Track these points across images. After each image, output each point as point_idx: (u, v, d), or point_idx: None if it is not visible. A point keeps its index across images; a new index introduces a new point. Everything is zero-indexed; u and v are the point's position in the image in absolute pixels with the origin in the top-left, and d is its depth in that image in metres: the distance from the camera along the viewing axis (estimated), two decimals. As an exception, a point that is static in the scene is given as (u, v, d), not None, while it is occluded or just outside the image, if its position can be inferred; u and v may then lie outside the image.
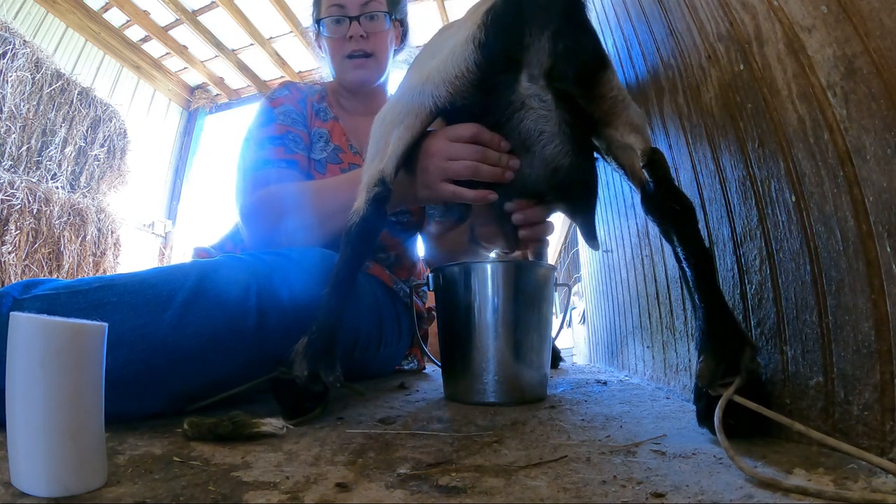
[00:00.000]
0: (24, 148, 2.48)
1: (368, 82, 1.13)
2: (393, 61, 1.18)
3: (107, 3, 3.32)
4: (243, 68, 4.02)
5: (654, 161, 0.58)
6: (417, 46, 1.24)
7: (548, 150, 0.64)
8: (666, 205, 0.56)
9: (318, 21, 1.09)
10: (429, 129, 0.70)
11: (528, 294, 0.75)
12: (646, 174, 0.59)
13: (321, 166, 1.04)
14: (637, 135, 0.63)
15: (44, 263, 2.44)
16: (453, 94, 0.65)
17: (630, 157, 0.63)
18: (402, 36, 1.21)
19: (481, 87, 0.64)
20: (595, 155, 0.73)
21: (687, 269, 0.54)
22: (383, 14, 1.09)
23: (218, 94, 4.39)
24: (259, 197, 0.92)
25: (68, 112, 2.71)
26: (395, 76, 1.20)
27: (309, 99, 1.11)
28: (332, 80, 1.19)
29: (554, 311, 0.90)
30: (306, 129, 1.07)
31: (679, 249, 0.55)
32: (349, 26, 1.06)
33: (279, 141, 1.00)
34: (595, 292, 1.73)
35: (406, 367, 1.25)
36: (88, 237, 2.71)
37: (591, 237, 0.76)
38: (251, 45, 3.78)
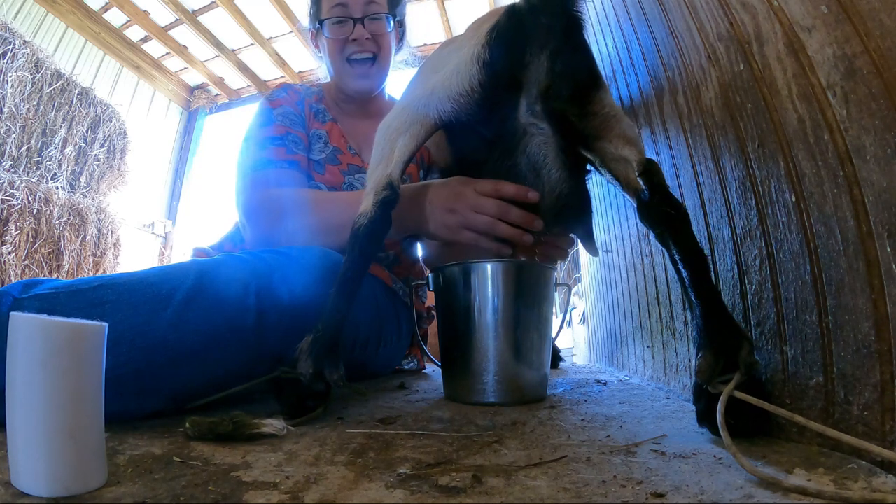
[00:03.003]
0: (24, 148, 2.48)
1: (370, 91, 1.13)
2: (392, 62, 1.18)
3: (107, 3, 3.32)
4: (243, 68, 4.02)
5: (650, 170, 0.60)
6: (416, 47, 1.24)
7: (553, 175, 0.67)
8: (661, 210, 0.57)
9: (319, 21, 1.09)
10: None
11: (528, 294, 0.75)
12: (641, 182, 0.60)
13: (320, 167, 1.05)
14: (631, 147, 0.65)
15: (44, 263, 2.44)
16: (458, 109, 0.67)
17: (625, 169, 0.65)
18: (401, 37, 1.21)
19: (484, 105, 0.66)
20: (588, 168, 0.75)
21: (683, 270, 0.54)
22: (385, 16, 1.08)
23: (218, 94, 4.39)
24: (263, 196, 0.92)
25: (68, 112, 2.71)
26: (393, 75, 1.20)
27: (307, 100, 1.11)
28: (329, 80, 1.19)
29: (554, 311, 0.90)
30: (305, 130, 1.07)
31: (675, 251, 0.55)
32: (352, 28, 1.06)
33: (280, 141, 1.00)
34: (595, 292, 1.73)
35: (406, 367, 1.25)
36: (88, 237, 2.71)
37: (590, 245, 0.81)
38: (251, 45, 3.78)
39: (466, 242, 0.74)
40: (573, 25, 0.64)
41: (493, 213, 0.70)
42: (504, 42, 0.64)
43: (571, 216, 0.75)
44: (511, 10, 0.66)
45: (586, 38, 0.66)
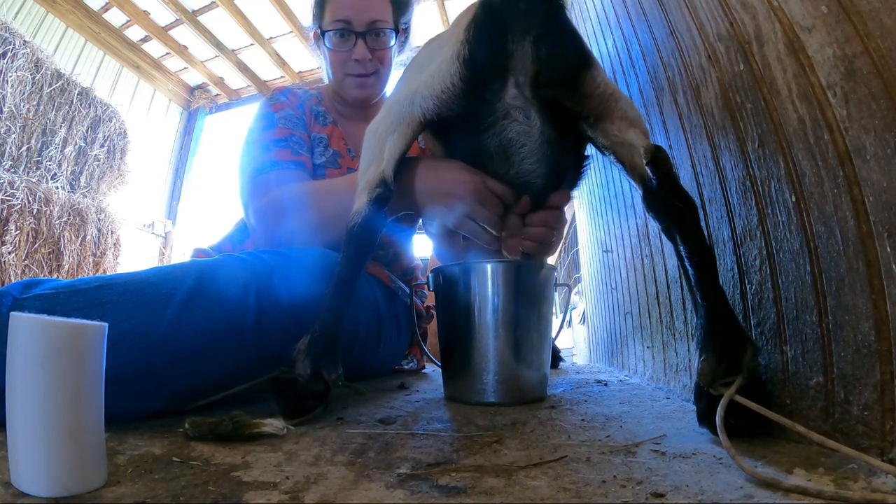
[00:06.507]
0: (24, 148, 2.48)
1: (370, 99, 1.13)
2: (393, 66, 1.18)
3: (107, 3, 3.32)
4: (243, 68, 4.02)
5: (658, 159, 0.58)
6: (416, 47, 1.24)
7: (525, 163, 0.67)
8: (669, 202, 0.56)
9: (322, 31, 1.08)
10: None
11: (528, 294, 0.75)
12: (649, 171, 0.59)
13: (321, 170, 1.04)
14: (635, 129, 0.64)
15: (44, 263, 2.44)
16: (440, 106, 0.66)
17: (630, 154, 0.63)
18: (404, 42, 1.20)
19: (468, 98, 0.66)
20: (588, 157, 0.75)
21: (689, 268, 0.54)
22: (389, 30, 1.07)
23: (218, 94, 4.39)
24: (272, 198, 0.89)
25: (68, 112, 2.71)
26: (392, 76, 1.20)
27: (307, 104, 1.11)
28: (328, 82, 1.19)
29: (554, 311, 0.90)
30: (307, 132, 1.07)
31: (681, 248, 0.55)
32: (354, 43, 1.05)
33: (284, 143, 0.99)
34: (595, 292, 1.73)
35: (406, 367, 1.25)
36: (88, 237, 2.71)
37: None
38: (251, 45, 3.78)
39: (463, 229, 0.72)
40: (553, 7, 0.63)
41: (494, 218, 0.71)
42: (483, 35, 0.63)
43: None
44: (485, 1, 0.65)
45: (569, 17, 0.64)
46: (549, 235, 0.74)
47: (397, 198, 0.75)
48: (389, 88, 1.21)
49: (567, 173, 0.74)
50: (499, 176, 0.70)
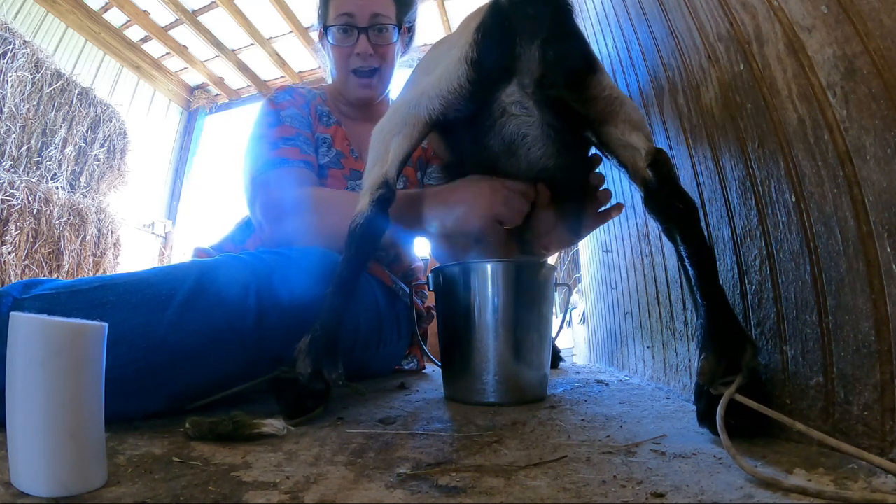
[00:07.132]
0: (24, 148, 2.47)
1: (372, 100, 1.13)
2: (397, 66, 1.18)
3: (107, 3, 3.32)
4: (243, 68, 4.02)
5: (660, 161, 0.59)
6: (417, 47, 1.24)
7: (532, 153, 0.68)
8: (670, 204, 0.56)
9: (325, 27, 1.08)
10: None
11: (528, 294, 0.75)
12: (650, 173, 0.59)
13: (324, 171, 1.04)
14: (638, 132, 0.64)
15: (44, 263, 2.44)
16: (446, 107, 0.67)
17: (633, 156, 0.64)
18: (408, 42, 1.20)
19: (475, 100, 0.66)
20: (590, 154, 0.75)
21: (689, 268, 0.54)
22: (392, 27, 1.07)
23: (218, 94, 4.39)
24: (285, 195, 0.90)
25: (68, 112, 2.71)
26: (396, 77, 1.20)
27: (312, 103, 1.10)
28: (332, 82, 1.19)
29: (554, 311, 0.90)
30: (312, 132, 1.07)
31: (682, 248, 0.55)
32: (357, 39, 1.05)
33: (292, 141, 0.99)
34: (595, 292, 1.73)
35: (406, 367, 1.25)
36: (88, 237, 2.71)
37: (575, 234, 0.84)
38: (251, 45, 3.78)
39: (489, 232, 0.76)
40: (561, 11, 0.63)
41: (522, 210, 0.76)
42: (491, 38, 0.64)
43: (561, 194, 0.77)
44: (494, 4, 0.66)
45: (576, 22, 0.65)
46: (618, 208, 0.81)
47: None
48: (393, 88, 1.22)
49: (583, 150, 0.75)
50: (511, 174, 0.71)
